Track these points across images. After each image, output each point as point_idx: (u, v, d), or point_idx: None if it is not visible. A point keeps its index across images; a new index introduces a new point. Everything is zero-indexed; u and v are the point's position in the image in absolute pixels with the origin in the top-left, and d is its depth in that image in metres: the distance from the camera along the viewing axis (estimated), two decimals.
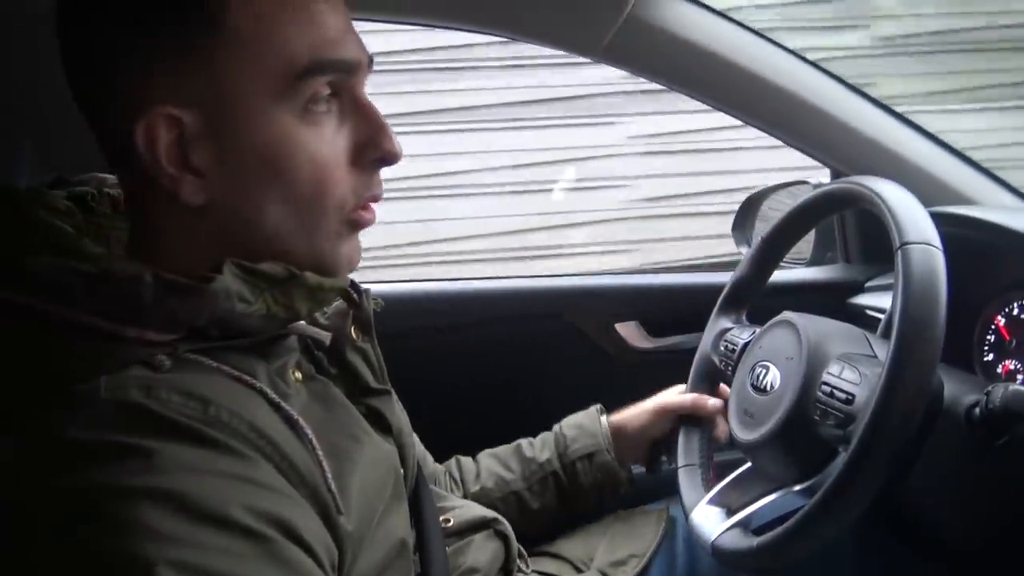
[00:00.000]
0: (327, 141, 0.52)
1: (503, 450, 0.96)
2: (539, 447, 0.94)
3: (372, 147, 0.54)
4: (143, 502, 0.40)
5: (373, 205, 0.56)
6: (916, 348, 0.60)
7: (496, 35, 1.06)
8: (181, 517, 0.40)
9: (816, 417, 0.69)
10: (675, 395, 0.94)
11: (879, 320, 0.96)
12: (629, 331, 1.17)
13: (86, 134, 0.52)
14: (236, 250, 0.51)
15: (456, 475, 0.93)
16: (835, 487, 0.61)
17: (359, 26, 0.55)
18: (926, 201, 0.92)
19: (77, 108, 0.52)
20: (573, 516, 0.93)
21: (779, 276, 1.22)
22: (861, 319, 1.07)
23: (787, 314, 0.80)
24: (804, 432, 0.70)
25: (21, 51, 0.81)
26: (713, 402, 0.91)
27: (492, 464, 0.94)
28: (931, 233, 0.65)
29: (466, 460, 0.95)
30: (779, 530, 0.66)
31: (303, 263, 0.52)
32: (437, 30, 1.07)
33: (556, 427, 0.96)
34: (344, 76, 0.52)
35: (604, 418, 0.95)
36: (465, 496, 0.90)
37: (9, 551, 0.40)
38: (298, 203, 0.51)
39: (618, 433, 0.94)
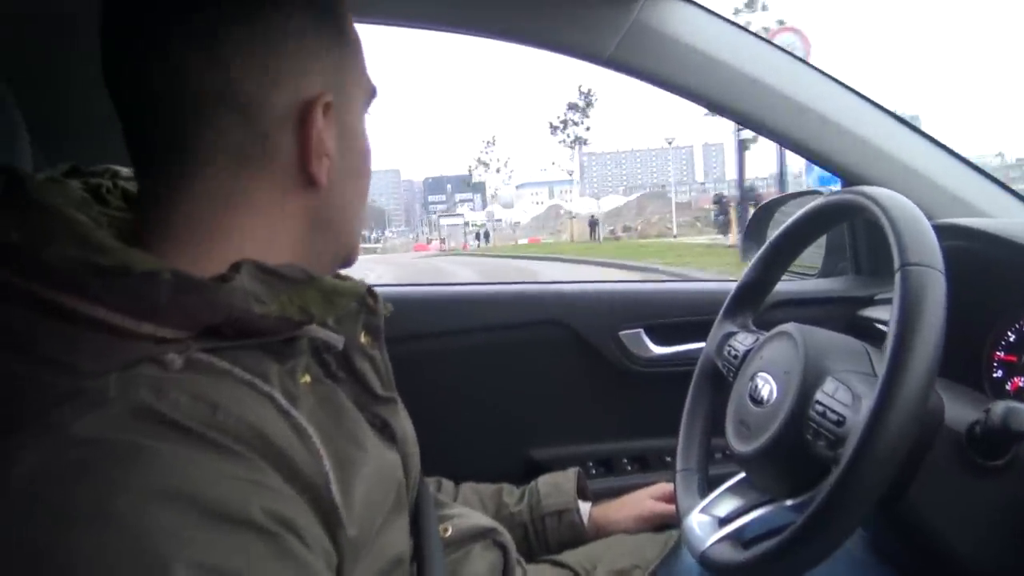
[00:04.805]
0: None
1: (485, 487, 1.00)
2: (517, 496, 0.99)
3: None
4: (154, 501, 0.40)
5: None
6: (906, 379, 0.58)
7: (506, 41, 1.07)
8: (193, 516, 0.40)
9: (808, 436, 0.68)
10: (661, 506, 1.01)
11: (887, 332, 0.94)
12: (634, 339, 1.16)
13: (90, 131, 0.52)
14: (322, 236, 0.56)
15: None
16: (821, 510, 0.60)
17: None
18: (937, 212, 0.89)
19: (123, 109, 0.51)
20: (533, 559, 0.95)
21: (790, 287, 1.21)
22: (869, 331, 1.05)
23: (789, 326, 0.78)
24: (796, 449, 0.69)
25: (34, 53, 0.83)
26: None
27: (471, 496, 0.97)
28: (933, 254, 0.62)
29: (447, 483, 0.97)
30: (766, 546, 0.65)
31: (345, 252, 0.60)
32: None
33: (534, 482, 1.01)
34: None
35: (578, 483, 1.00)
36: None
37: (28, 548, 0.39)
38: (364, 194, 0.61)
39: (597, 526, 0.99)
